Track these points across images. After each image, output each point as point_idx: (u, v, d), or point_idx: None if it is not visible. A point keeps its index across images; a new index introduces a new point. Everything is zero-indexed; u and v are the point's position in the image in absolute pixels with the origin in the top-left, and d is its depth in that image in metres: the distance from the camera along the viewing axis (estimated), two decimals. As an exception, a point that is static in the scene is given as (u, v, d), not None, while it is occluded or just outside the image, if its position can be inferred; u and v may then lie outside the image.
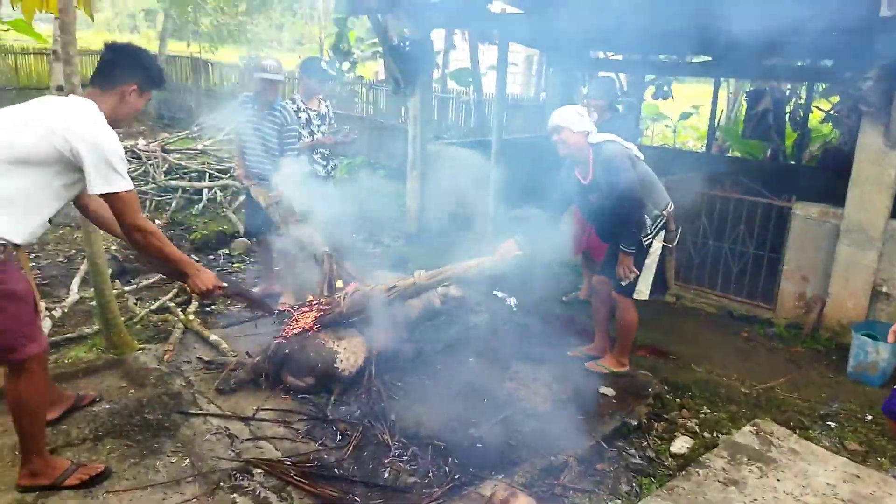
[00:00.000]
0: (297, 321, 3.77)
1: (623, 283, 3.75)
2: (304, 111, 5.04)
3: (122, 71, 2.55)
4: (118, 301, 4.42)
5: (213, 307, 4.82)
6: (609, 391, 3.72)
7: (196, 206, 7.79)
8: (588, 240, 4.91)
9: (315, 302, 3.93)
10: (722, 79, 10.28)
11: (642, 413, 3.55)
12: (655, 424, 3.52)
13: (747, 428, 3.31)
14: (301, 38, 34.94)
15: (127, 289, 5.08)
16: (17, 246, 2.42)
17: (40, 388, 2.55)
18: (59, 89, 7.14)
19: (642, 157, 3.75)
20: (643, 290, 3.79)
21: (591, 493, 2.89)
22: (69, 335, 4.17)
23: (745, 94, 11.16)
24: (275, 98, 4.65)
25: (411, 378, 3.74)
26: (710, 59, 7.56)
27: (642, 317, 3.96)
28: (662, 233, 3.73)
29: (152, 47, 17.84)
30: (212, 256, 6.21)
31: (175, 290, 5.01)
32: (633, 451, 3.26)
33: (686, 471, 2.94)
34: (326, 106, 5.28)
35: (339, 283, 4.06)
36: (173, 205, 7.68)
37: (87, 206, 2.84)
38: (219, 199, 8.09)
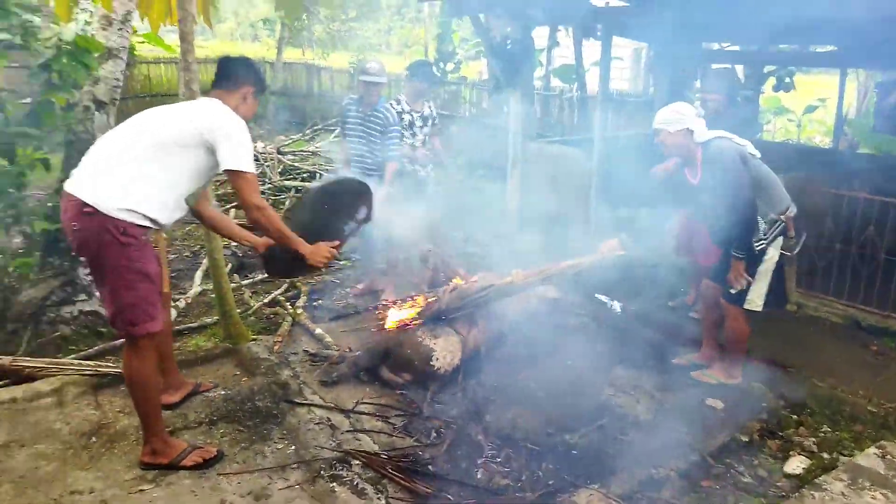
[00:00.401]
0: (398, 315, 3.88)
1: (733, 291, 3.54)
2: (407, 112, 5.14)
3: (240, 76, 2.92)
4: (235, 294, 4.71)
5: (320, 302, 5.04)
6: (717, 403, 3.53)
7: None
8: (694, 243, 4.67)
9: (417, 297, 4.03)
10: (850, 69, 9.47)
11: (754, 429, 3.34)
12: (768, 442, 3.30)
13: (872, 450, 3.03)
14: (408, 41, 35.75)
15: (244, 283, 5.41)
16: (159, 228, 2.73)
17: (150, 367, 2.80)
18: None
19: (758, 155, 3.52)
20: (755, 301, 3.55)
21: (694, 509, 2.76)
22: (191, 325, 4.50)
23: (875, 86, 10.24)
24: (377, 100, 4.80)
25: (507, 379, 3.73)
26: (835, 48, 6.97)
27: (759, 326, 3.72)
28: (780, 239, 3.48)
29: (270, 54, 18.93)
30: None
31: (286, 285, 5.29)
32: (742, 468, 3.08)
33: (800, 493, 2.74)
34: (430, 108, 5.36)
35: (458, 280, 4.14)
36: (287, 203, 8.09)
37: (202, 213, 3.13)
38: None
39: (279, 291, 5.18)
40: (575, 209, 6.75)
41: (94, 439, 3.01)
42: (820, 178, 5.26)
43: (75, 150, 4.18)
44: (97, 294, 4.71)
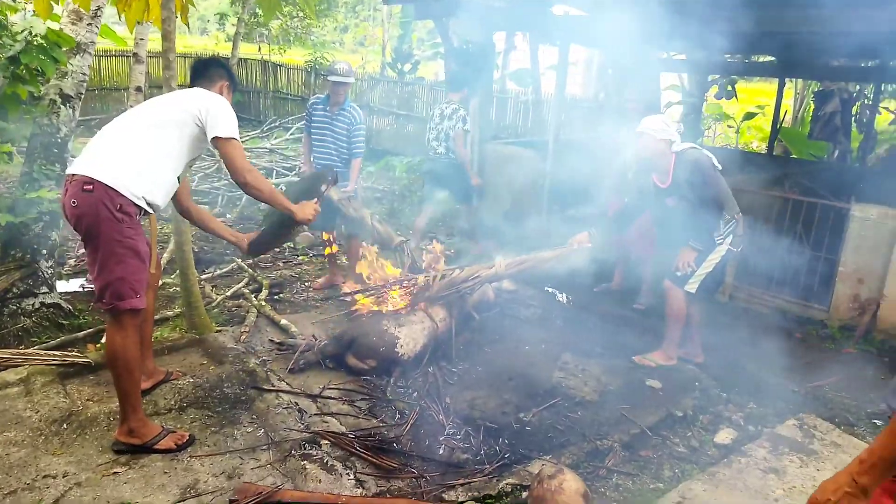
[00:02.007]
0: (383, 300, 4.13)
1: (679, 274, 3.90)
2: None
3: (214, 72, 3.23)
4: (196, 288, 4.80)
5: (281, 294, 5.17)
6: (656, 383, 3.85)
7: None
8: (641, 238, 5.03)
9: (399, 283, 4.26)
10: (788, 79, 10.06)
11: (688, 405, 3.66)
12: (701, 417, 3.63)
13: (791, 421, 3.38)
14: (363, 40, 35.68)
15: (203, 277, 5.49)
16: (152, 210, 2.91)
17: (134, 344, 2.91)
18: (138, 90, 7.61)
19: (720, 168, 3.88)
20: (694, 285, 3.91)
21: (635, 476, 3.03)
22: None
23: (812, 95, 10.86)
24: (344, 99, 4.99)
25: (466, 365, 3.96)
26: (774, 59, 7.47)
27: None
28: (731, 237, 3.85)
29: (223, 49, 18.69)
30: (277, 249, 6.56)
31: (247, 279, 5.40)
32: (677, 440, 3.38)
33: (728, 459, 3.05)
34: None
35: (441, 268, 4.39)
36: (243, 200, 8.14)
37: (189, 210, 3.39)
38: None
39: (241, 285, 5.28)
40: (529, 208, 7.04)
41: (64, 426, 3.06)
42: (754, 181, 5.68)
43: (39, 143, 4.21)
44: (59, 287, 4.75)
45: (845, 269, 4.92)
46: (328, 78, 5.01)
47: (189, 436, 3.07)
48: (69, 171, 2.83)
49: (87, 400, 3.30)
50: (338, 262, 5.51)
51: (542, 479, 2.64)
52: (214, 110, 2.94)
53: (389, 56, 17.52)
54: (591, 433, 3.29)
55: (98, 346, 3.97)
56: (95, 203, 2.72)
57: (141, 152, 2.84)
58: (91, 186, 2.71)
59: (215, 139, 2.91)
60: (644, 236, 4.92)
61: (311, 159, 5.17)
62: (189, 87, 3.16)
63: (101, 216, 2.73)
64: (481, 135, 7.32)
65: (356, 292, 4.32)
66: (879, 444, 1.45)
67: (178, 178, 3.02)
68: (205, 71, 3.21)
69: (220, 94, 3.17)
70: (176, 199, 3.30)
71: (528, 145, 7.91)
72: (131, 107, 8.07)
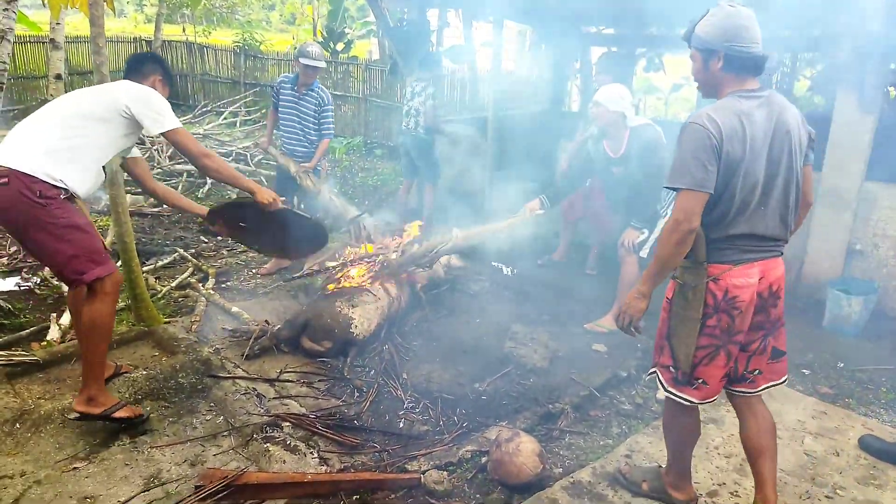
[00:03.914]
0: (348, 274, 4.20)
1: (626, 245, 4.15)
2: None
3: (147, 66, 3.24)
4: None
5: (228, 283, 5.12)
6: (601, 347, 4.05)
7: (201, 190, 8.04)
8: (589, 206, 5.22)
9: (360, 261, 4.35)
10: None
11: (631, 365, 3.87)
12: (644, 376, 3.85)
13: (726, 374, 3.62)
14: (292, 18, 34.76)
15: (145, 269, 5.35)
16: (74, 195, 2.85)
17: (110, 311, 2.93)
18: (58, 78, 7.26)
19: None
20: (646, 250, 4.17)
21: (586, 434, 3.21)
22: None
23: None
24: (314, 81, 5.13)
25: (421, 341, 4.06)
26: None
27: (633, 279, 4.27)
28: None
29: (143, 31, 17.89)
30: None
31: (191, 269, 5.31)
32: (623, 399, 3.58)
33: (670, 413, 3.26)
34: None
35: (398, 243, 4.52)
36: (179, 188, 7.93)
37: (154, 190, 3.52)
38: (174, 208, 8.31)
39: (186, 275, 5.20)
40: (471, 183, 7.15)
41: (17, 426, 2.99)
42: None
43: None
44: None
45: (769, 231, 5.24)
46: (300, 60, 5.09)
47: (146, 413, 3.12)
48: None
49: (39, 398, 3.24)
50: None
51: (499, 443, 2.79)
52: (151, 105, 2.94)
53: (321, 35, 17.19)
54: (543, 398, 3.45)
55: (44, 343, 3.86)
56: (15, 195, 2.67)
57: (57, 139, 2.79)
58: (6, 179, 2.67)
59: (163, 134, 2.94)
60: (593, 203, 5.12)
61: (277, 138, 5.30)
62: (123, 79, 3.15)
63: (23, 207, 2.69)
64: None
65: (315, 272, 4.39)
66: (649, 266, 2.25)
67: (105, 168, 3.01)
68: (139, 66, 3.22)
69: (153, 87, 3.16)
70: (140, 182, 3.44)
71: (468, 122, 7.99)
72: (52, 96, 7.70)
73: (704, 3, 2.24)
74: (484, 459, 2.87)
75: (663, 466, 2.66)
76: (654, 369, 2.41)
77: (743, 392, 2.39)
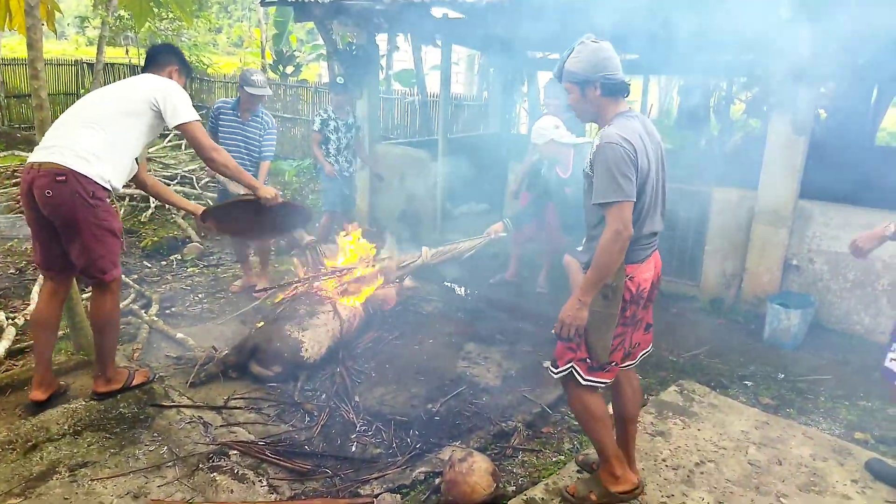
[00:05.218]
0: (321, 288, 4.27)
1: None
2: (332, 119, 6.06)
3: (163, 57, 3.47)
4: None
5: (173, 308, 4.97)
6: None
7: (144, 214, 7.82)
8: (545, 227, 5.31)
9: (327, 276, 4.44)
10: (652, 75, 10.87)
11: (583, 382, 3.91)
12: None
13: (672, 388, 3.72)
14: (240, 41, 34.45)
15: (84, 297, 5.15)
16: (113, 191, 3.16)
17: (118, 306, 3.36)
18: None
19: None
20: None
21: (539, 451, 3.23)
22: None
23: (678, 89, 11.78)
24: (258, 108, 5.09)
25: (374, 363, 4.02)
26: (637, 56, 8.05)
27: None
28: None
29: (85, 53, 17.42)
30: (164, 262, 6.24)
31: (133, 296, 5.14)
32: (573, 415, 3.61)
33: (620, 427, 3.31)
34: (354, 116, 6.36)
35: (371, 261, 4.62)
36: (121, 213, 7.69)
37: (146, 183, 3.66)
38: (167, 205, 8.13)
39: (128, 301, 5.02)
40: (422, 206, 7.18)
41: (-55, 462, 2.85)
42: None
43: None
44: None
45: (711, 248, 5.44)
46: (244, 88, 4.96)
47: (153, 375, 3.65)
48: (31, 159, 3.02)
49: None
50: (250, 262, 5.52)
51: (452, 463, 2.77)
52: (171, 97, 3.16)
53: (269, 58, 17.08)
54: (496, 416, 3.45)
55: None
56: (70, 193, 2.96)
57: (104, 140, 3.05)
58: (64, 177, 2.93)
59: (178, 126, 3.16)
60: (547, 223, 5.20)
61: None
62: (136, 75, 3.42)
63: (76, 204, 2.98)
64: (371, 136, 7.38)
65: (269, 289, 4.39)
66: (587, 276, 2.37)
67: (137, 160, 3.28)
68: (156, 58, 3.44)
69: (171, 78, 3.38)
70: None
71: (417, 145, 8.05)
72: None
73: (638, 30, 2.41)
74: (437, 480, 2.85)
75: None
76: (567, 366, 2.57)
77: (628, 365, 2.67)
